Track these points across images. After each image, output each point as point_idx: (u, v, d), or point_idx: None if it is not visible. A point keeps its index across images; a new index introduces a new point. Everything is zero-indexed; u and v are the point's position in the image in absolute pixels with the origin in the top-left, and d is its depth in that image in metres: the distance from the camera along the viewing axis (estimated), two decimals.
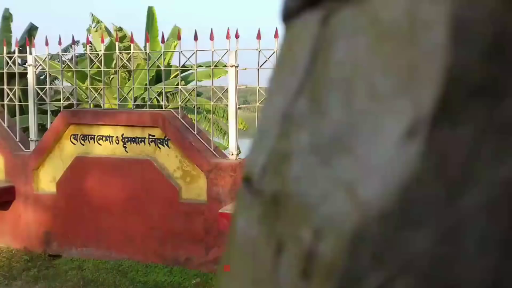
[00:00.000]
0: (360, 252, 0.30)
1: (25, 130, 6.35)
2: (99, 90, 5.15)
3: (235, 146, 4.40)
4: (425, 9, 0.30)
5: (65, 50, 11.25)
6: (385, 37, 0.32)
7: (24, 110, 7.61)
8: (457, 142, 0.28)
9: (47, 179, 4.95)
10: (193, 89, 4.80)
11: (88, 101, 5.03)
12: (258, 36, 4.13)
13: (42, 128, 7.31)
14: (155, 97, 5.68)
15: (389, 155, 0.30)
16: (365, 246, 0.30)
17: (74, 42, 5.08)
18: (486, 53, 0.27)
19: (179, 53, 4.54)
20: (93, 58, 4.89)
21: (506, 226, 0.26)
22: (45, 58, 4.95)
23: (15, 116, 5.24)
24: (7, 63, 5.04)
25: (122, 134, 4.61)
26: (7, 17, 11.63)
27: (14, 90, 5.04)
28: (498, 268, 0.26)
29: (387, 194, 0.29)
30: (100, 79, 6.19)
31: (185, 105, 6.12)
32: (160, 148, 4.50)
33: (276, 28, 4.03)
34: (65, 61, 5.16)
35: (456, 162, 0.27)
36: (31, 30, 12.20)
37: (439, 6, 0.29)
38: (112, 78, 10.83)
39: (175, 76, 11.02)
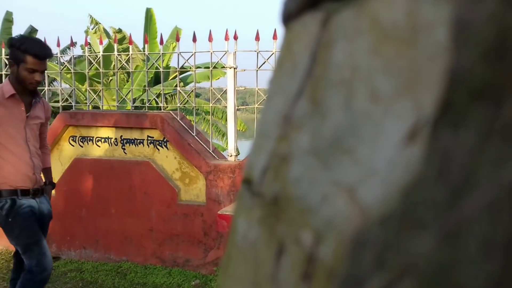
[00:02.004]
0: (361, 255, 0.30)
1: None
2: (97, 92, 5.15)
3: (234, 147, 4.40)
4: (426, 11, 0.30)
5: (63, 51, 11.26)
6: (386, 38, 0.32)
7: None
8: (459, 144, 0.28)
9: None
10: (192, 91, 4.80)
11: (86, 103, 5.03)
12: (257, 38, 4.13)
13: None
14: (154, 98, 5.66)
15: (390, 158, 0.30)
16: (366, 249, 0.29)
17: (73, 44, 5.08)
18: (488, 55, 0.27)
19: (178, 54, 4.54)
20: (91, 60, 4.89)
21: (509, 229, 0.26)
22: None
23: None
24: (6, 64, 5.04)
25: (121, 136, 4.60)
26: (10, 20, 11.64)
27: None
28: (501, 272, 0.26)
29: (388, 197, 0.29)
30: (99, 80, 6.19)
31: (184, 106, 6.12)
32: (159, 149, 4.50)
33: (275, 30, 4.04)
34: (64, 62, 5.15)
35: (458, 164, 0.27)
36: (31, 33, 12.20)
37: (440, 7, 0.29)
38: (111, 79, 10.83)
39: (174, 78, 11.02)
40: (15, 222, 2.64)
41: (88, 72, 4.93)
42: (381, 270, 0.29)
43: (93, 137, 4.70)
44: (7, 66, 5.00)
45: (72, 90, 5.07)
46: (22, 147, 2.68)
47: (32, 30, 12.34)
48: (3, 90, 2.65)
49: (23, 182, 2.67)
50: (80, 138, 4.74)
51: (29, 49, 2.57)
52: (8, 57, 4.84)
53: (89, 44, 5.19)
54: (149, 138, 4.53)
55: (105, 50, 4.91)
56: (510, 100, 0.27)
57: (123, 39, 10.92)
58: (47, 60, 2.75)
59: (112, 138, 4.65)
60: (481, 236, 0.26)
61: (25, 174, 2.67)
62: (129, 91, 5.32)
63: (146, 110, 4.77)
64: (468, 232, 0.27)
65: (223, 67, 4.57)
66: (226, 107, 4.41)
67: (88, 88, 4.96)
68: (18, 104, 2.68)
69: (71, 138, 4.77)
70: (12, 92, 2.63)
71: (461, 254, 0.27)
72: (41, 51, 2.63)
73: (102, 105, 5.02)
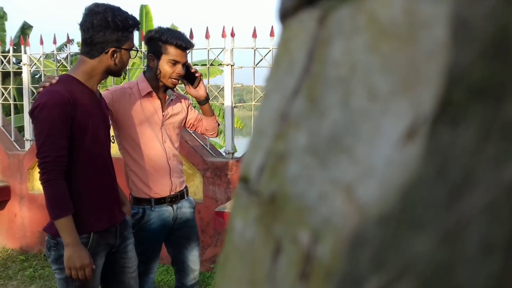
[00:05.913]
0: (358, 254, 0.29)
1: (20, 129, 6.32)
2: None
3: (231, 145, 4.39)
4: (424, 7, 0.29)
5: (60, 48, 11.21)
6: (384, 36, 0.32)
7: (19, 109, 7.57)
8: (458, 143, 0.27)
9: None
10: None
11: None
12: (254, 35, 4.12)
13: None
14: None
15: (388, 156, 0.29)
16: (364, 249, 0.29)
17: (69, 41, 5.05)
18: (487, 53, 0.27)
19: None
20: None
21: (509, 229, 0.26)
22: (40, 57, 4.92)
23: (10, 115, 5.22)
24: (2, 62, 5.02)
25: None
26: (1, 16, 11.57)
27: (9, 89, 5.01)
28: (500, 272, 0.26)
29: (386, 196, 0.29)
30: None
31: None
32: None
33: (272, 27, 4.03)
34: (60, 60, 5.13)
35: (457, 163, 0.27)
36: (25, 29, 12.15)
37: (438, 5, 0.29)
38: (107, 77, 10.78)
39: None
40: (140, 237, 2.40)
41: None
42: (379, 269, 0.28)
43: None
44: (3, 63, 4.97)
45: None
46: (158, 150, 2.40)
47: (26, 27, 12.28)
48: (140, 88, 2.39)
49: (157, 190, 2.41)
50: None
51: (171, 39, 2.33)
52: (3, 54, 4.80)
53: None
54: None
55: None
56: (510, 98, 0.26)
57: None
58: (188, 52, 2.46)
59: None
60: (480, 236, 0.26)
61: (160, 181, 2.41)
62: None
63: None
64: (467, 232, 0.26)
65: (220, 64, 4.56)
66: (223, 104, 4.40)
67: None
68: (154, 103, 2.41)
69: None
70: (149, 89, 2.38)
71: (460, 254, 0.26)
72: (184, 40, 2.37)
73: None
